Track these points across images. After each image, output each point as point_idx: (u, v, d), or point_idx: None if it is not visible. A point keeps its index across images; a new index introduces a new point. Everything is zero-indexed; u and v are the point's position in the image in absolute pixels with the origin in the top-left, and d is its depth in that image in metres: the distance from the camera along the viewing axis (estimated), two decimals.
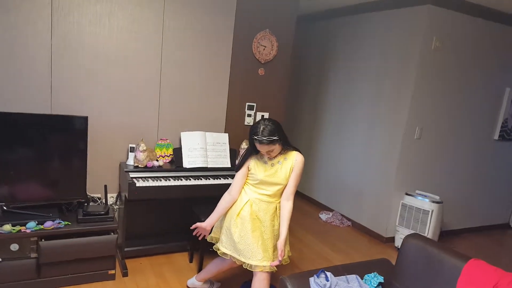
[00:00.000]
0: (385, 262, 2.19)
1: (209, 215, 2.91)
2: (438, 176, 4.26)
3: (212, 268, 2.63)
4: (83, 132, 2.69)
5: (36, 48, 2.66)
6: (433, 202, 3.78)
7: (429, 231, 3.75)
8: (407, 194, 3.97)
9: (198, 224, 2.44)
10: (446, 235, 4.37)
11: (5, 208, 2.56)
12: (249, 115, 3.60)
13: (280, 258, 2.16)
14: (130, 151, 3.00)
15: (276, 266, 2.24)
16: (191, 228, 2.47)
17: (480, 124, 4.42)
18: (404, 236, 2.28)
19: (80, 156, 2.71)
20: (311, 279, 1.92)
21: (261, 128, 2.12)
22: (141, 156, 2.90)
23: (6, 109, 2.62)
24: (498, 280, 1.56)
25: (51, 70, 2.72)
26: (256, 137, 2.13)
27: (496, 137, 4.56)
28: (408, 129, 3.90)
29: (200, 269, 2.96)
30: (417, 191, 4.01)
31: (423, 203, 3.81)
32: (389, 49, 4.06)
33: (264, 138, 2.10)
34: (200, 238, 2.51)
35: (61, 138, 2.64)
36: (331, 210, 4.85)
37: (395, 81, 4.00)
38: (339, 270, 2.05)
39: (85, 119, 2.68)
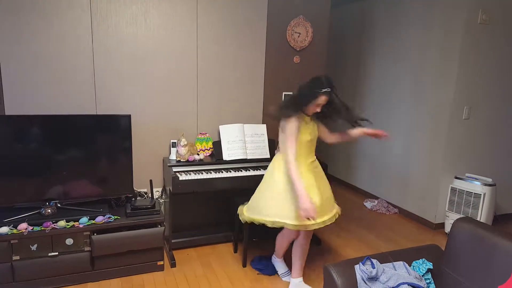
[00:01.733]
0: (434, 248, 2.10)
1: None
2: (490, 158, 4.02)
3: (280, 242, 2.76)
4: (127, 130, 2.80)
5: (79, 53, 2.80)
6: (485, 185, 3.57)
7: (482, 216, 3.56)
8: (456, 177, 3.78)
9: (307, 207, 2.23)
10: (501, 219, 4.12)
11: (59, 205, 2.74)
12: None
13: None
14: (172, 146, 3.08)
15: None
16: (304, 218, 2.28)
17: None
18: None
19: (125, 153, 2.83)
20: (357, 267, 1.88)
21: (325, 81, 2.30)
22: (183, 150, 2.97)
23: (55, 112, 2.79)
24: None
25: (94, 73, 2.85)
26: (325, 90, 2.27)
27: None
28: (455, 109, 3.70)
29: (244, 258, 3.00)
30: (467, 174, 3.80)
31: (474, 186, 3.61)
32: (432, 25, 3.86)
33: (330, 88, 2.30)
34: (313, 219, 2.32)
35: (107, 137, 2.77)
36: (376, 198, 4.73)
37: (438, 59, 3.80)
38: (386, 257, 1.99)
39: (128, 118, 2.78)
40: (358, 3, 4.90)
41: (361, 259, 1.94)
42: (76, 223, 2.61)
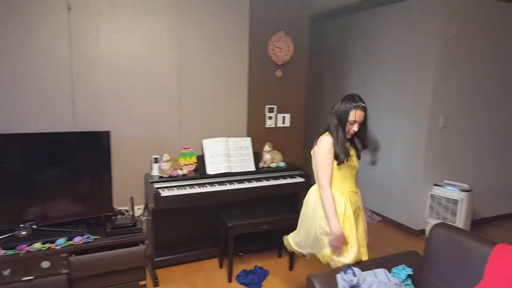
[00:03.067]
0: (414, 254, 2.14)
1: (236, 219, 2.92)
2: (467, 165, 4.14)
3: None
4: (107, 147, 2.72)
5: (57, 68, 2.72)
6: (462, 190, 3.67)
7: (460, 221, 3.64)
8: (435, 184, 3.87)
9: (336, 236, 2.09)
10: (478, 224, 4.24)
11: (35, 227, 2.62)
12: (270, 118, 3.59)
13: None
14: (155, 162, 3.02)
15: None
16: (330, 246, 2.14)
17: (507, 109, 4.27)
18: None
19: (105, 171, 2.75)
20: (338, 276, 1.89)
21: (356, 96, 2.15)
22: (165, 166, 2.92)
23: (32, 130, 2.68)
24: None
25: (73, 89, 2.78)
26: (356, 104, 2.11)
27: None
28: (432, 119, 3.80)
29: (230, 274, 2.95)
30: (445, 181, 3.90)
31: (452, 192, 3.71)
32: (407, 40, 3.97)
33: (363, 103, 2.13)
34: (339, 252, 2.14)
35: (86, 154, 2.68)
36: None
37: (414, 72, 3.91)
38: (367, 265, 2.01)
39: (107, 134, 2.71)
40: (338, 19, 5.00)
41: (343, 269, 1.95)
42: (52, 245, 2.49)
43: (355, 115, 2.12)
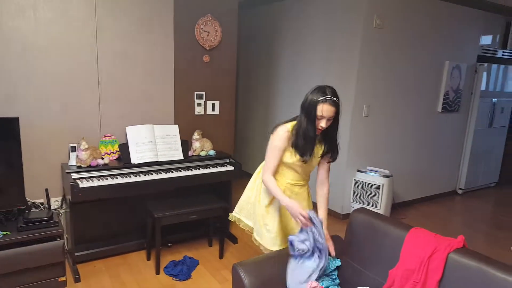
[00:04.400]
0: (337, 239, 2.22)
1: (163, 210, 2.85)
2: (388, 151, 4.41)
3: None
4: (15, 134, 2.49)
5: None
6: (383, 176, 3.91)
7: (381, 205, 3.89)
8: (358, 171, 4.08)
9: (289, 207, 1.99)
10: (399, 207, 4.55)
11: None
12: (199, 104, 3.52)
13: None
14: (72, 151, 2.83)
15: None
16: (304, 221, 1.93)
17: (424, 98, 4.60)
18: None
19: (14, 160, 2.52)
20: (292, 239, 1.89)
21: (327, 89, 1.89)
22: (84, 155, 2.75)
23: None
24: (437, 245, 1.63)
25: None
26: (324, 97, 1.86)
27: (439, 109, 4.77)
28: (356, 108, 3.98)
29: (158, 265, 2.88)
30: (368, 167, 4.12)
31: (374, 178, 3.93)
32: (333, 30, 4.10)
33: (334, 97, 1.88)
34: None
35: None
36: None
37: (340, 62, 4.05)
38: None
39: (16, 120, 2.48)
40: (267, 5, 5.02)
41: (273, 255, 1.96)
42: None
43: (322, 109, 1.87)
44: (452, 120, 5.01)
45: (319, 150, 2.10)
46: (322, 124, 1.92)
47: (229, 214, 2.47)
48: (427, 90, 4.61)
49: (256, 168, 2.35)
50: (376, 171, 4.01)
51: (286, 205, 1.98)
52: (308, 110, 1.92)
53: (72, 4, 2.77)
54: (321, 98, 1.87)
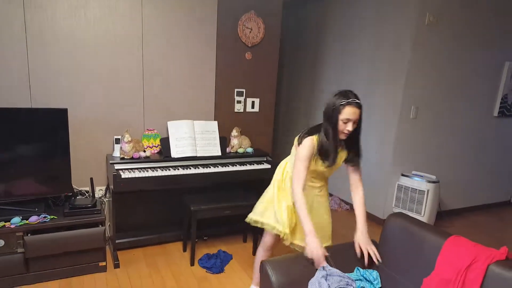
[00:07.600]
0: (374, 244, 2.13)
1: (199, 203, 2.91)
2: (436, 156, 4.18)
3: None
4: (64, 125, 2.66)
5: (12, 45, 2.61)
6: (429, 182, 3.71)
7: (425, 211, 3.70)
8: (402, 175, 3.90)
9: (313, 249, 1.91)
10: (445, 215, 4.31)
11: None
12: (239, 102, 3.55)
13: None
14: (116, 143, 2.97)
15: None
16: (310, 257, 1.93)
17: (479, 101, 4.31)
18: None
19: (62, 150, 2.69)
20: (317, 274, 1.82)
21: (349, 93, 1.93)
22: (127, 147, 2.87)
23: None
24: (476, 255, 1.52)
25: (28, 65, 2.68)
26: (349, 100, 1.89)
27: (495, 113, 4.45)
28: (404, 109, 3.81)
29: (192, 257, 2.95)
30: (414, 172, 3.94)
31: (419, 183, 3.75)
32: (382, 28, 3.95)
33: (357, 100, 1.91)
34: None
35: (42, 132, 2.61)
36: (331, 195, 4.81)
37: (389, 61, 3.90)
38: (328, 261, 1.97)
39: (64, 111, 2.64)
40: (313, 4, 4.95)
41: (301, 255, 1.92)
42: (7, 224, 2.45)
43: (348, 112, 1.89)
44: (510, 126, 4.64)
45: (342, 155, 2.12)
46: (349, 127, 1.93)
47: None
48: (483, 92, 4.30)
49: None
50: (421, 176, 3.82)
51: (307, 236, 1.92)
52: (333, 115, 1.94)
53: (119, 3, 2.90)
54: (345, 101, 1.90)
